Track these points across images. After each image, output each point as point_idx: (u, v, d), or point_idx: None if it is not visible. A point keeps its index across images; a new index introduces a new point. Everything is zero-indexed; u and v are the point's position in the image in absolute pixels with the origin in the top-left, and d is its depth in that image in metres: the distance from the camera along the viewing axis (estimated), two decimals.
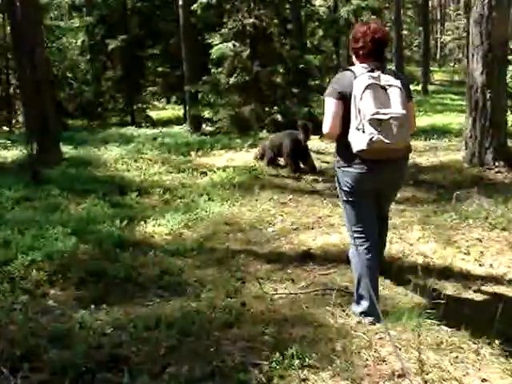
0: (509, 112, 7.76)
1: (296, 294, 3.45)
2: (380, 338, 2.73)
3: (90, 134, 12.72)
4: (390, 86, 2.82)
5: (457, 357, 2.55)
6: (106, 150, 9.37)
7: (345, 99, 2.87)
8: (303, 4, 15.78)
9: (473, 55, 6.50)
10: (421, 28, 27.95)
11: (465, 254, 4.10)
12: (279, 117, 11.36)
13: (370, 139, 2.74)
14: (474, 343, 2.69)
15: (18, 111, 15.18)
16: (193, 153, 9.01)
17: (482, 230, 4.56)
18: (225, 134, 11.41)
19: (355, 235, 3.04)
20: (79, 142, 10.64)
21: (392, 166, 2.96)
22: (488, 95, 6.35)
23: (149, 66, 19.44)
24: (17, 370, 2.46)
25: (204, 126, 13.72)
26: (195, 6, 12.21)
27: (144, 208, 5.68)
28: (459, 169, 6.58)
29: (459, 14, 33.60)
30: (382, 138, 2.74)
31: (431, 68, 29.82)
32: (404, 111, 2.77)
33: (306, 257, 4.16)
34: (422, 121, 12.56)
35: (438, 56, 40.18)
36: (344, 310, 3.13)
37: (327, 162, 7.40)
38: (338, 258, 4.00)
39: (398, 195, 4.09)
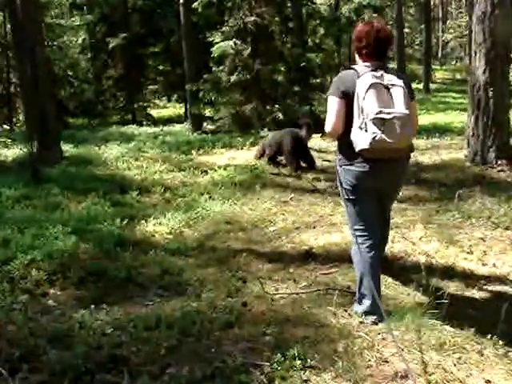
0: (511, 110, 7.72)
1: (297, 293, 3.42)
2: (383, 339, 2.71)
3: (91, 133, 12.71)
4: (393, 85, 2.80)
5: (460, 357, 2.53)
6: (107, 149, 9.36)
7: (348, 98, 2.86)
8: (304, 2, 15.75)
9: (475, 53, 6.46)
10: (422, 26, 27.88)
11: (468, 253, 4.07)
12: (280, 115, 11.34)
13: (373, 138, 2.73)
14: (478, 344, 2.66)
15: (18, 109, 15.19)
16: (194, 151, 9.01)
17: (484, 229, 4.53)
18: (226, 132, 11.42)
19: (357, 233, 3.03)
20: (80, 141, 10.64)
21: (394, 165, 2.95)
22: (490, 93, 6.31)
23: (150, 64, 19.48)
24: (16, 371, 2.45)
25: (205, 124, 13.73)
26: (196, 3, 12.21)
27: (145, 207, 5.67)
28: (461, 167, 6.55)
29: (461, 12, 33.61)
30: (384, 137, 2.73)
31: (433, 66, 29.77)
32: (407, 111, 2.76)
33: (308, 256, 4.13)
34: (424, 119, 12.52)
35: (439, 54, 40.14)
36: (346, 310, 3.11)
37: (328, 161, 7.37)
38: (340, 258, 3.97)
39: (400, 194, 4.06)
